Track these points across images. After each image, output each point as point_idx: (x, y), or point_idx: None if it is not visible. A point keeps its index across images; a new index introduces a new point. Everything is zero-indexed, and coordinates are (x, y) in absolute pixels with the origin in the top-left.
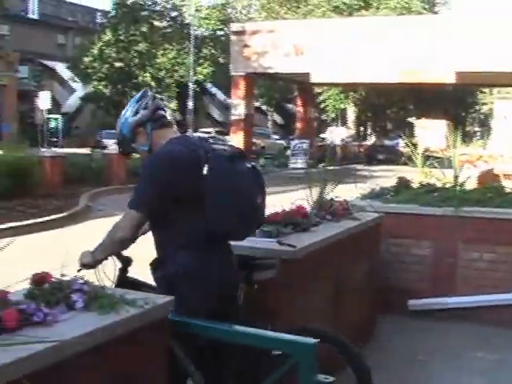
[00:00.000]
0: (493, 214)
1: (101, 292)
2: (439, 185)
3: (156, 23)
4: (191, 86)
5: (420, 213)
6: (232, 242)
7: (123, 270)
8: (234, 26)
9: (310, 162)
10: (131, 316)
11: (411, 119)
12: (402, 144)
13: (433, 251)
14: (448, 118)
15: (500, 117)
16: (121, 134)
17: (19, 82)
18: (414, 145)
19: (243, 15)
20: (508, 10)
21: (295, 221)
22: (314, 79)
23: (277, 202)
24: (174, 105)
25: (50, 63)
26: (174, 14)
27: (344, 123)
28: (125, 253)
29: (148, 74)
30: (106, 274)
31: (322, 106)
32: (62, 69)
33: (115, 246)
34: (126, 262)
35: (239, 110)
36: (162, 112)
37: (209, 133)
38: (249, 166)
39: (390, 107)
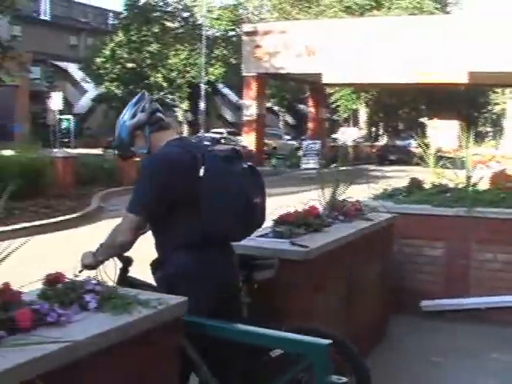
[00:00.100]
0: (506, 214)
1: (114, 292)
2: (452, 185)
3: (168, 24)
4: (203, 86)
5: (433, 213)
6: (243, 243)
7: (124, 270)
8: (246, 27)
9: (322, 163)
10: (144, 317)
11: (423, 119)
12: (413, 144)
13: (445, 252)
14: (460, 119)
15: None
16: (119, 138)
17: (31, 83)
18: (426, 145)
19: (255, 16)
20: None
21: (308, 221)
22: (325, 79)
23: (289, 202)
24: (185, 105)
25: (62, 64)
26: (185, 14)
27: (356, 123)
28: (125, 253)
29: (160, 75)
30: (107, 273)
31: (334, 106)
32: (74, 70)
33: (115, 249)
34: (127, 262)
35: (251, 110)
36: (160, 114)
37: (221, 133)
38: (245, 166)
39: (401, 107)
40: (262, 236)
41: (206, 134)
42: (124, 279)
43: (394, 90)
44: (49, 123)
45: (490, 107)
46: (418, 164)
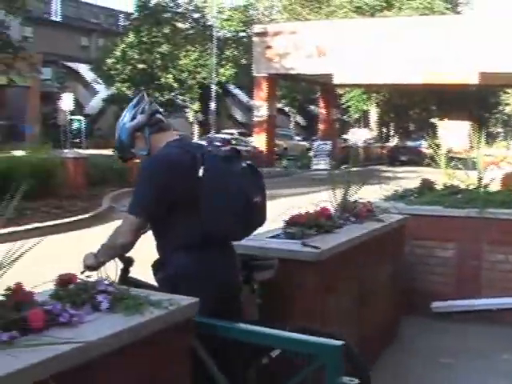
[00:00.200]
0: None
1: (126, 293)
2: (463, 186)
3: (178, 25)
4: (213, 87)
5: (444, 214)
6: (254, 243)
7: (125, 271)
8: (256, 28)
9: (333, 164)
10: (156, 317)
11: (434, 120)
12: (424, 145)
13: (457, 253)
14: (471, 119)
15: None
16: (119, 140)
17: (42, 84)
18: (437, 146)
19: (265, 16)
20: None
21: (319, 223)
22: (336, 80)
23: (300, 203)
24: (196, 106)
25: (73, 65)
26: (196, 15)
27: (366, 124)
28: (126, 254)
29: (170, 76)
30: (108, 274)
31: (345, 107)
32: (85, 70)
33: (117, 250)
34: (128, 262)
35: (262, 111)
36: (160, 116)
37: (231, 134)
38: (245, 165)
39: (412, 108)
40: (273, 237)
41: (217, 135)
42: (125, 279)
43: (405, 91)
44: (59, 124)
45: (500, 108)
46: (428, 165)
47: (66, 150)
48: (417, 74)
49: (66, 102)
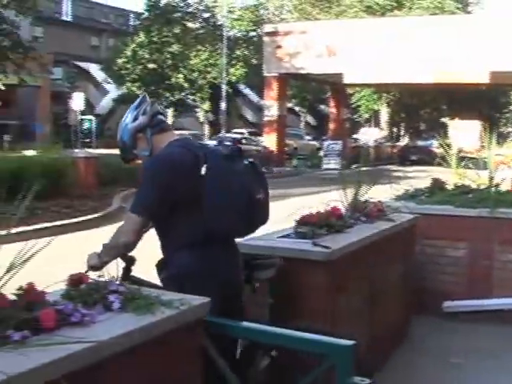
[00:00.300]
0: None
1: (137, 293)
2: (474, 186)
3: (189, 25)
4: (224, 87)
5: (455, 214)
6: (265, 243)
7: (127, 270)
8: (267, 27)
9: (343, 163)
10: (167, 317)
11: (444, 120)
12: (435, 145)
13: (468, 253)
14: (482, 119)
15: None
16: (122, 141)
17: (53, 84)
18: (448, 145)
19: (275, 16)
20: None
21: (330, 222)
22: (346, 80)
23: (310, 202)
24: (206, 106)
25: (83, 65)
26: (206, 15)
27: (377, 124)
28: (129, 253)
29: (181, 76)
30: (110, 273)
31: (355, 106)
32: (95, 70)
33: (120, 250)
34: (130, 261)
35: (272, 110)
36: (161, 117)
37: (242, 134)
38: (247, 162)
39: (423, 108)
40: (284, 237)
41: (227, 135)
42: (127, 279)
43: (415, 90)
44: (70, 124)
45: (511, 107)
46: (439, 164)
47: (76, 150)
48: (427, 73)
49: (77, 101)
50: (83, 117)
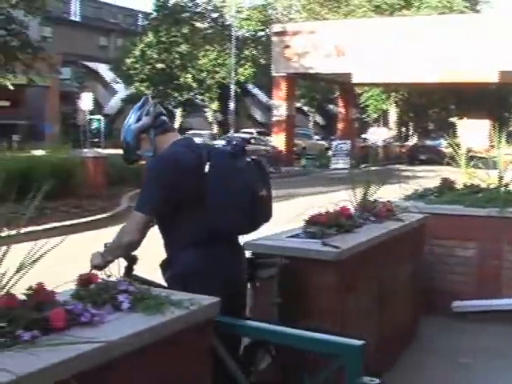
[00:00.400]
0: None
1: (147, 293)
2: (483, 185)
3: (197, 24)
4: (232, 87)
5: (464, 214)
6: (274, 243)
7: (129, 268)
8: (275, 27)
9: (352, 163)
10: (177, 317)
11: (453, 119)
12: (443, 144)
13: (477, 252)
14: (490, 118)
15: None
16: (125, 142)
17: (62, 84)
18: (457, 145)
19: (284, 16)
20: None
21: (339, 222)
22: (355, 79)
23: (318, 202)
24: (215, 106)
25: (92, 65)
26: (214, 15)
27: (385, 124)
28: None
29: (189, 75)
30: (111, 272)
31: (364, 106)
32: (104, 70)
33: (124, 249)
34: (132, 260)
35: (281, 110)
36: (164, 118)
37: (250, 133)
38: (249, 160)
39: (431, 107)
40: (293, 236)
41: (236, 135)
42: (129, 277)
43: (424, 90)
44: (79, 123)
45: None
46: (448, 164)
47: (85, 150)
48: (436, 72)
49: (86, 101)
50: (92, 117)
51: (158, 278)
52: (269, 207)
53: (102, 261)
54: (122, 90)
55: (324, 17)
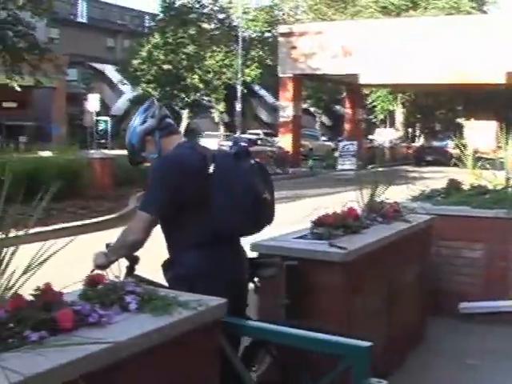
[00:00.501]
0: None
1: (154, 294)
2: (491, 187)
3: (204, 26)
4: (239, 87)
5: (471, 215)
6: (281, 244)
7: (130, 268)
8: (282, 28)
9: (359, 164)
10: (184, 318)
11: (460, 120)
12: (450, 145)
13: (484, 254)
14: (498, 119)
15: None
16: (130, 144)
17: (68, 85)
18: (464, 146)
19: (290, 17)
20: None
21: (347, 223)
22: (362, 80)
23: (325, 203)
24: (222, 107)
25: (99, 66)
26: (221, 16)
27: (392, 125)
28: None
29: (196, 76)
30: (113, 272)
31: (371, 107)
32: (111, 71)
33: (127, 248)
34: (134, 260)
35: (287, 111)
36: (169, 120)
37: (257, 134)
38: (253, 162)
39: (438, 108)
40: (300, 237)
41: (243, 135)
42: (131, 277)
43: (431, 91)
44: (86, 125)
45: None
46: (455, 165)
47: (92, 151)
48: (443, 73)
49: (92, 102)
50: (99, 118)
51: (159, 278)
52: (272, 209)
53: (106, 260)
54: (128, 91)
55: (331, 17)
